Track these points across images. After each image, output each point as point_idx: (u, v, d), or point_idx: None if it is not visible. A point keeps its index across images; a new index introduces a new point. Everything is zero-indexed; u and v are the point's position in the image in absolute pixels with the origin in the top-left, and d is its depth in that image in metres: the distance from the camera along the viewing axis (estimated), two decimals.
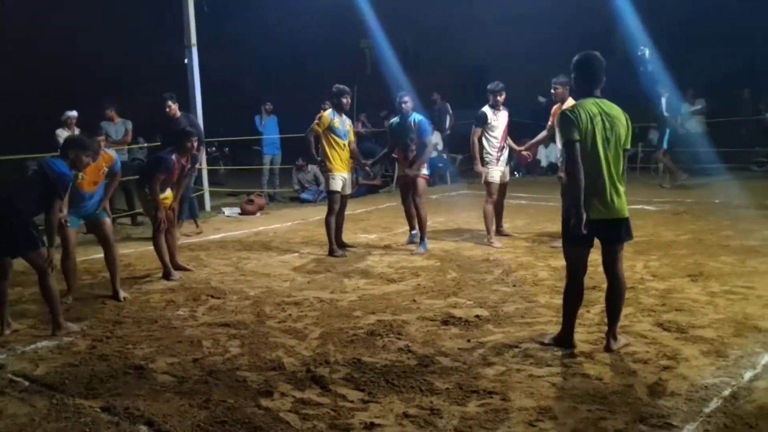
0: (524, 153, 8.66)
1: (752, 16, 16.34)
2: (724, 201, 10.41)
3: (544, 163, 15.61)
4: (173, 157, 6.70)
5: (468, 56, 21.83)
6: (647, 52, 21.86)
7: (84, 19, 21.57)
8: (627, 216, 4.35)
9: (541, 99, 16.04)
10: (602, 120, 4.22)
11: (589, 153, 4.20)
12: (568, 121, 4.23)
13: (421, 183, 7.97)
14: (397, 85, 17.13)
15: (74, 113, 9.62)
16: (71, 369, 4.45)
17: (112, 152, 6.51)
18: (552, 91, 7.84)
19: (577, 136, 4.17)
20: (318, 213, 11.07)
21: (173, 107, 9.21)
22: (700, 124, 13.71)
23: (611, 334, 4.45)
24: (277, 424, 3.58)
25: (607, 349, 4.41)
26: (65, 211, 5.87)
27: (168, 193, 6.89)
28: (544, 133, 8.32)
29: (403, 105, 7.94)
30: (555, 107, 7.90)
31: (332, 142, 7.76)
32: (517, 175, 8.26)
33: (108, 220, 6.40)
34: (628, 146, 4.34)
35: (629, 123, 4.34)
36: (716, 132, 13.99)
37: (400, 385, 4.01)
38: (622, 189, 4.30)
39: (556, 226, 9.09)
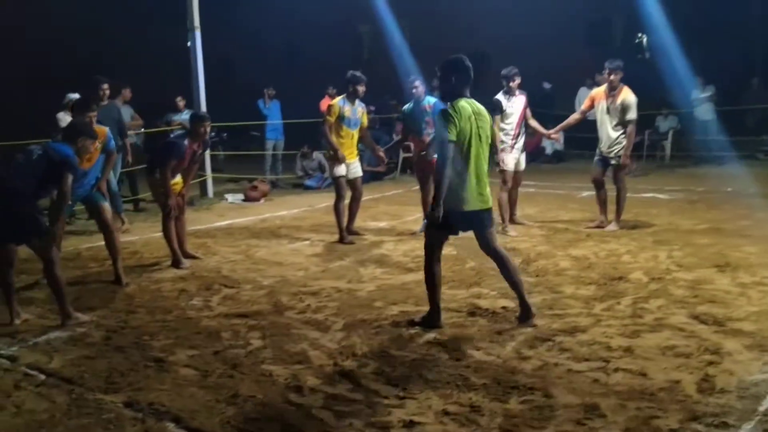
0: (553, 136, 8.51)
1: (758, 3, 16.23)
2: (736, 190, 10.27)
3: (548, 151, 15.45)
4: (185, 142, 6.48)
5: (468, 42, 21.53)
6: (645, 39, 21.77)
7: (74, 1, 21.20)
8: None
9: (546, 85, 15.89)
10: (475, 118, 4.52)
11: (469, 149, 4.49)
12: (448, 120, 4.44)
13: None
14: (400, 71, 16.95)
15: (76, 95, 9.31)
16: (88, 361, 4.27)
17: (103, 127, 6.31)
18: (606, 75, 7.63)
19: (453, 137, 4.42)
20: (324, 200, 10.87)
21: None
22: (710, 112, 13.57)
23: (524, 306, 4.71)
24: (311, 422, 3.41)
25: (525, 318, 4.68)
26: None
27: (178, 178, 6.69)
28: (576, 116, 8.18)
29: (414, 90, 7.73)
30: (601, 91, 7.78)
31: (339, 131, 7.61)
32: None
33: (106, 205, 6.28)
34: (493, 139, 4.91)
35: (490, 120, 4.76)
36: (722, 120, 13.86)
37: (435, 380, 3.85)
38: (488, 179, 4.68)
39: (570, 215, 8.99)
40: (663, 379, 3.74)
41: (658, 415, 3.33)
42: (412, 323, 4.78)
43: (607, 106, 7.62)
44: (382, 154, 8.37)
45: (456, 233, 4.80)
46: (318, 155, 12.89)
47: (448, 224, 4.61)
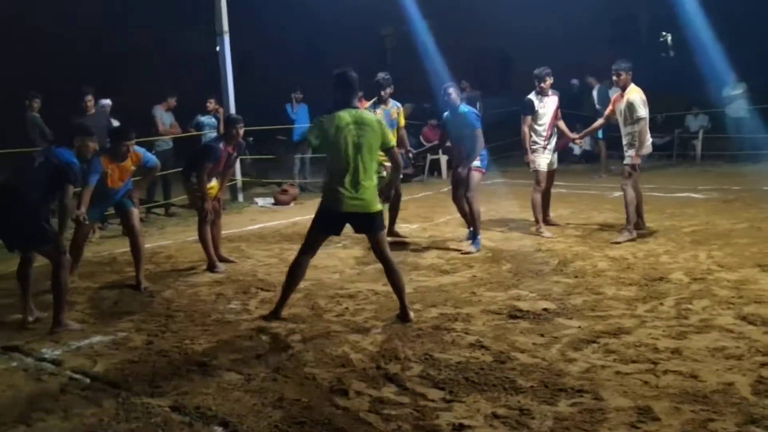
0: (578, 141, 8.35)
1: None
2: None
3: (577, 152, 15.30)
4: (221, 145, 6.50)
5: (492, 41, 21.46)
6: (669, 38, 21.56)
7: (91, 6, 21.33)
8: (378, 210, 4.89)
9: (574, 81, 15.70)
10: (354, 127, 4.75)
11: (342, 155, 4.74)
12: (317, 128, 4.90)
13: (475, 177, 7.26)
14: (429, 72, 16.86)
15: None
16: (131, 366, 4.28)
17: (140, 151, 6.35)
18: (614, 78, 7.35)
19: (315, 141, 4.88)
20: None
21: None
22: (742, 109, 13.36)
23: (404, 307, 4.96)
24: (359, 426, 3.38)
25: (405, 318, 4.91)
26: (83, 209, 5.79)
27: (213, 182, 6.70)
28: (600, 121, 8.07)
29: (446, 98, 7.26)
30: (616, 95, 7.53)
31: None
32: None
33: (135, 210, 6.36)
34: (390, 145, 4.99)
35: (382, 128, 4.90)
36: (756, 117, 13.62)
37: (481, 382, 3.81)
38: (372, 186, 4.84)
39: (603, 215, 8.88)
40: (715, 381, 3.67)
41: (714, 418, 3.26)
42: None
43: (621, 108, 7.33)
44: (411, 154, 8.24)
45: (337, 233, 5.07)
46: None
47: (328, 224, 4.94)
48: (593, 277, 5.88)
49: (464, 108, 7.30)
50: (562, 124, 8.08)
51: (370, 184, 4.83)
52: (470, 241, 7.26)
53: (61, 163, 5.02)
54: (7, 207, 4.91)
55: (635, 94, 7.18)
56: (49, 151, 5.13)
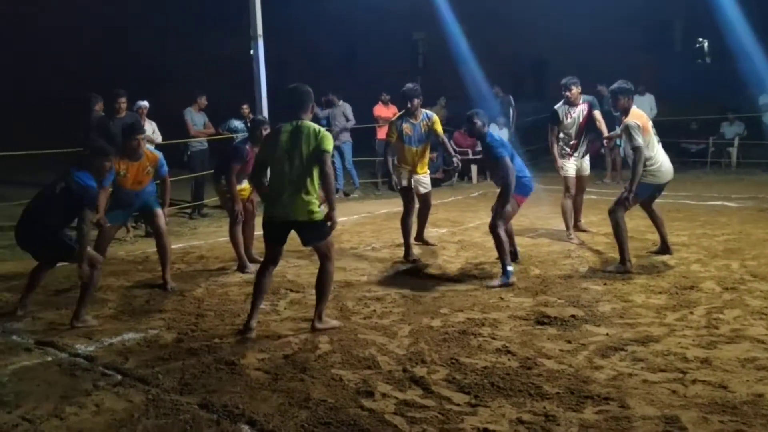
0: (607, 143, 8.05)
1: None
2: None
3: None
4: (247, 146, 6.58)
5: (526, 47, 21.38)
6: (705, 44, 21.29)
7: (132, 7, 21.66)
8: (312, 219, 4.81)
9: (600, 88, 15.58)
10: (290, 139, 4.77)
11: (276, 166, 4.82)
12: (262, 145, 5.31)
13: (508, 207, 6.22)
14: (464, 77, 16.86)
15: (145, 103, 9.48)
16: (162, 363, 4.36)
17: (156, 152, 6.47)
18: (611, 102, 6.66)
19: (260, 157, 5.11)
20: (384, 206, 10.92)
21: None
22: None
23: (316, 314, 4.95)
24: (385, 428, 3.41)
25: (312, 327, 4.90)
26: (102, 212, 6.05)
27: (245, 184, 6.78)
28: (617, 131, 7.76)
29: (471, 127, 6.41)
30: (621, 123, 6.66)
31: (400, 148, 7.34)
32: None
33: (160, 211, 6.44)
34: (322, 148, 4.74)
35: (319, 136, 4.75)
36: None
37: (507, 388, 3.81)
38: (310, 197, 4.78)
39: (634, 222, 8.70)
40: (745, 392, 3.62)
41: (743, 430, 3.22)
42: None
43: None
44: (457, 160, 8.05)
45: (281, 242, 4.96)
46: None
47: (270, 233, 4.95)
48: (622, 285, 5.83)
49: (488, 139, 6.35)
50: (601, 125, 7.90)
51: (305, 191, 4.74)
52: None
53: (79, 187, 5.13)
54: (31, 231, 5.23)
55: (631, 120, 6.33)
56: (68, 174, 5.22)
